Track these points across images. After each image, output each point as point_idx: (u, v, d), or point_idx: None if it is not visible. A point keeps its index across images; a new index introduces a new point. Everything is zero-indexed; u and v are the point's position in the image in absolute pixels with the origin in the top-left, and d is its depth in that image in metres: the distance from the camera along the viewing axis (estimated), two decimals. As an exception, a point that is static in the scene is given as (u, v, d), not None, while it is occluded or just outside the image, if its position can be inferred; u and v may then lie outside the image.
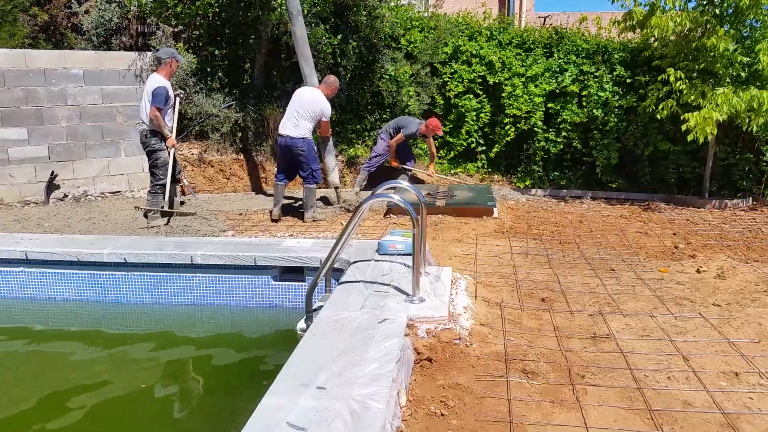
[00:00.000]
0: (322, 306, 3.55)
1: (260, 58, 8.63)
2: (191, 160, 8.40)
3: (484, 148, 9.46)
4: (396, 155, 8.59)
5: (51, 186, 7.45)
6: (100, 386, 3.87)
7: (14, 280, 5.01)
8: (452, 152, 9.46)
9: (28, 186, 7.37)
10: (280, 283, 4.80)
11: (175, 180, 6.59)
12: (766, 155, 8.59)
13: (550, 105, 9.08)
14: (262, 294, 4.84)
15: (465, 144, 9.38)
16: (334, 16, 8.80)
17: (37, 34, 8.92)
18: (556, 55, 9.29)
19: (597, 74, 8.94)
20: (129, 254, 4.80)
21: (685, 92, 7.67)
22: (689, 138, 7.33)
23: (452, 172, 9.33)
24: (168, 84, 6.14)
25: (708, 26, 7.60)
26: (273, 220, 6.57)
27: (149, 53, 7.96)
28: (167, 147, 6.30)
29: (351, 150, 9.23)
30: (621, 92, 8.84)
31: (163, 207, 6.34)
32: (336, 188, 7.55)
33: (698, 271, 4.80)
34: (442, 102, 9.42)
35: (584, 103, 8.95)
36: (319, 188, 7.28)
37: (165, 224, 6.24)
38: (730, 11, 7.55)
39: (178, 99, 6.59)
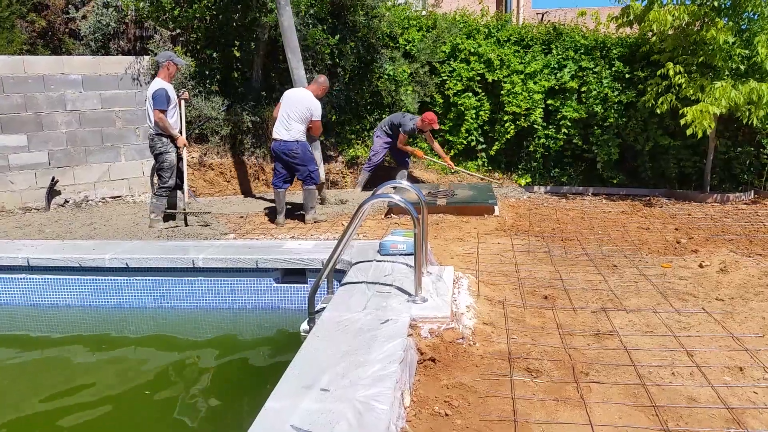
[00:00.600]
0: (324, 307, 3.55)
1: (258, 61, 8.63)
2: (191, 164, 8.40)
3: (484, 146, 9.46)
4: (395, 157, 8.62)
5: (52, 192, 7.45)
6: (103, 391, 3.87)
7: (16, 287, 5.01)
8: (452, 150, 9.45)
9: (28, 192, 7.38)
10: (282, 285, 4.80)
11: (180, 185, 6.57)
12: (767, 148, 8.58)
13: (549, 102, 9.07)
14: (265, 296, 4.83)
15: (465, 142, 9.37)
16: (332, 17, 8.79)
17: (35, 40, 8.92)
18: (554, 51, 9.27)
19: (596, 70, 8.93)
20: (131, 259, 4.80)
21: (684, 86, 7.66)
22: (688, 132, 7.32)
23: (452, 170, 9.32)
24: (168, 86, 6.14)
25: (706, 19, 7.59)
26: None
27: (147, 57, 7.96)
28: (178, 147, 6.31)
29: (351, 150, 9.23)
30: (620, 88, 8.83)
31: (166, 209, 6.35)
32: (321, 185, 7.44)
33: (701, 266, 4.79)
34: (441, 100, 9.42)
35: (584, 99, 8.94)
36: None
37: (185, 225, 6.32)
38: (729, 3, 7.54)
39: (182, 100, 6.58)
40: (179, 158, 6.40)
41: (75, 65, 7.51)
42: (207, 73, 8.45)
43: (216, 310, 4.87)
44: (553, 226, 6.49)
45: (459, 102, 9.22)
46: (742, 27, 7.75)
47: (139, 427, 3.52)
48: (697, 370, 3.01)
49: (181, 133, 6.39)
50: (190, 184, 7.76)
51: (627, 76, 8.80)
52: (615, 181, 9.01)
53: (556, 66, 9.14)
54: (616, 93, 8.78)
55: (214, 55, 8.52)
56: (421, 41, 9.30)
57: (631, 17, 7.92)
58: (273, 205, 7.34)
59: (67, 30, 9.10)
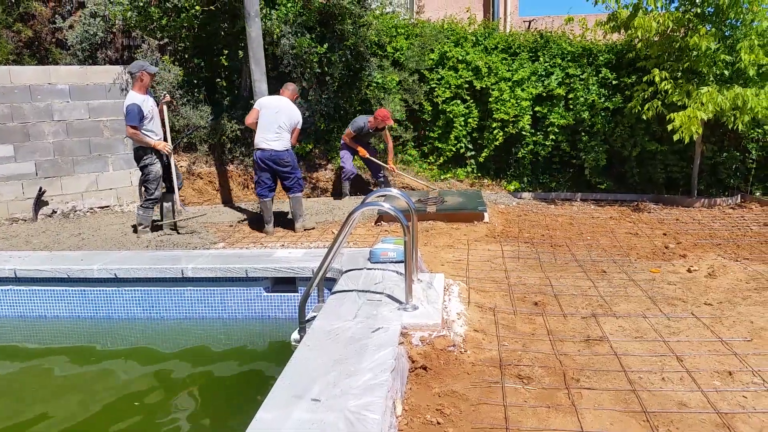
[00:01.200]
0: (315, 316, 3.54)
1: (246, 69, 8.60)
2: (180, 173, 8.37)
3: (473, 152, 9.49)
4: (367, 165, 8.60)
5: (39, 202, 7.39)
6: (92, 403, 3.83)
7: (3, 299, 4.96)
8: (441, 158, 9.48)
9: (15, 203, 7.31)
10: (273, 294, 4.78)
11: (171, 190, 6.53)
12: (753, 153, 8.68)
13: (537, 108, 9.13)
14: (255, 306, 4.81)
15: (454, 149, 9.40)
16: (320, 25, 8.81)
17: (22, 50, 8.86)
18: (541, 58, 9.34)
19: (583, 77, 9.00)
20: (119, 269, 4.77)
21: (670, 92, 7.74)
22: (675, 138, 7.39)
23: (442, 177, 9.34)
24: (140, 98, 6.03)
25: (690, 26, 7.68)
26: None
27: (135, 66, 7.94)
28: (164, 153, 6.24)
29: (339, 159, 9.22)
30: (607, 94, 8.91)
31: (156, 221, 6.34)
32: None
33: (689, 271, 4.83)
34: (430, 108, 9.45)
35: (571, 106, 9.01)
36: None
37: (176, 233, 6.34)
38: (711, 10, 7.64)
39: (164, 106, 6.53)
40: (167, 163, 6.37)
41: (62, 75, 7.48)
42: (195, 82, 8.43)
43: (206, 320, 4.84)
44: (542, 232, 6.51)
45: (448, 109, 9.26)
46: (726, 34, 7.84)
47: (128, 439, 3.49)
48: (687, 375, 3.03)
49: (165, 139, 6.35)
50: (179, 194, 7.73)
51: (614, 82, 8.88)
52: (603, 187, 9.07)
53: (544, 73, 9.21)
54: (603, 99, 8.85)
55: (202, 64, 8.50)
56: (408, 49, 9.34)
57: (618, 23, 8.00)
58: (260, 213, 7.33)
59: (54, 40, 9.05)
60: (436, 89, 9.34)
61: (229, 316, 4.84)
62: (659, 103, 7.83)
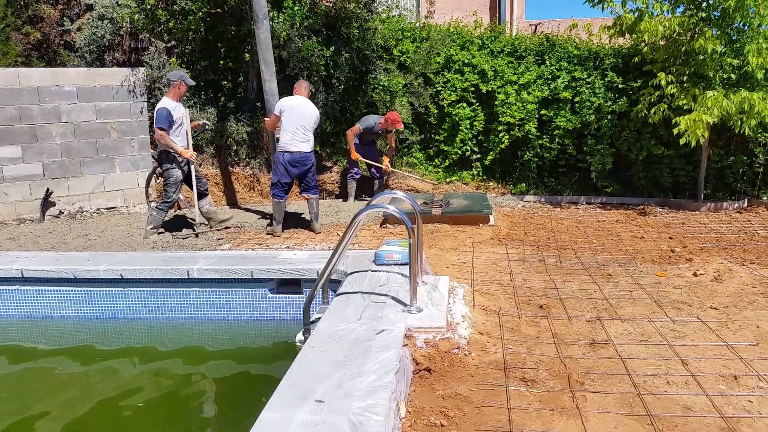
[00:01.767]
0: (320, 318, 3.55)
1: (253, 72, 8.65)
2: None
3: (478, 155, 9.49)
4: (363, 156, 8.55)
5: (46, 203, 7.43)
6: (97, 402, 3.85)
7: (10, 299, 4.99)
8: (447, 160, 9.48)
9: (23, 204, 7.35)
10: (278, 295, 4.79)
11: (202, 194, 6.64)
12: (760, 157, 8.64)
13: (543, 112, 9.12)
14: (260, 307, 4.83)
15: (460, 152, 9.40)
16: (327, 29, 8.84)
17: (30, 52, 8.92)
18: (548, 62, 9.33)
19: (589, 80, 8.98)
20: (125, 270, 4.79)
21: (676, 96, 7.72)
22: (681, 141, 7.36)
23: (447, 180, 9.34)
24: (172, 105, 6.18)
25: (696, 29, 7.66)
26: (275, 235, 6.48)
27: (142, 69, 7.98)
28: (185, 160, 6.34)
29: (346, 161, 9.24)
30: (613, 97, 8.89)
31: (160, 230, 6.42)
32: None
33: (695, 275, 4.81)
34: (436, 111, 9.45)
35: (577, 109, 8.99)
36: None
37: (195, 237, 6.41)
38: (717, 14, 7.61)
39: (198, 124, 6.66)
40: (188, 171, 6.44)
41: (70, 77, 7.52)
42: (202, 84, 8.47)
43: (211, 321, 4.86)
44: (547, 236, 6.50)
45: (453, 112, 9.26)
46: (733, 38, 7.82)
47: (133, 439, 3.50)
48: (692, 379, 3.02)
49: (187, 147, 6.43)
50: (186, 195, 7.76)
51: (620, 86, 8.86)
52: (609, 191, 9.04)
53: (550, 77, 9.20)
54: (609, 103, 8.83)
55: (209, 66, 8.54)
56: (415, 52, 9.35)
57: (623, 28, 7.99)
58: (268, 214, 7.35)
59: (62, 42, 9.11)
60: (442, 92, 9.34)
61: (235, 317, 4.85)
62: (665, 106, 7.81)
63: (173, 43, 8.51)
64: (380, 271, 4.32)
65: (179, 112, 6.28)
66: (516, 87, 9.10)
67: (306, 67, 8.49)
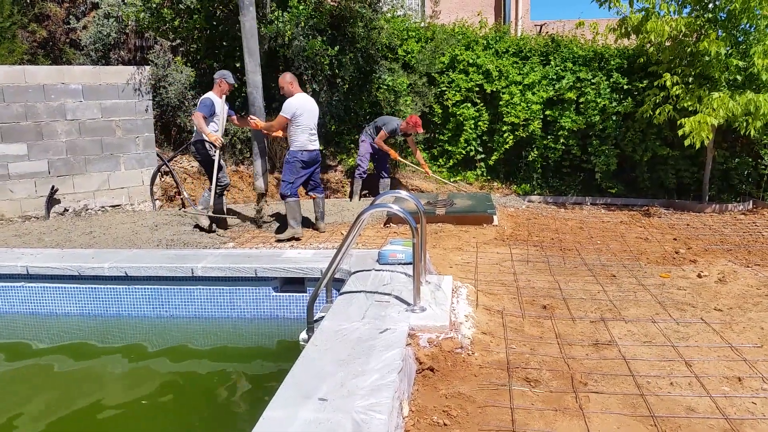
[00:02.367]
0: (323, 316, 3.55)
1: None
2: (191, 173, 8.42)
3: (483, 156, 9.49)
4: (375, 165, 8.58)
5: (51, 200, 7.45)
6: (101, 400, 3.86)
7: (15, 295, 5.01)
8: (451, 160, 9.49)
9: (28, 201, 7.38)
10: (282, 294, 4.80)
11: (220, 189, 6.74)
12: (765, 158, 8.62)
13: (548, 112, 9.11)
14: (264, 305, 4.83)
15: (464, 152, 9.40)
16: (331, 28, 8.85)
17: (36, 50, 8.96)
18: (552, 62, 9.33)
19: (594, 81, 8.97)
20: (130, 268, 4.80)
21: (681, 97, 7.70)
22: (686, 143, 7.35)
23: (452, 180, 9.34)
24: (216, 99, 6.47)
25: (702, 31, 7.64)
26: (296, 239, 6.28)
27: (148, 67, 8.00)
28: (214, 149, 6.50)
29: (350, 160, 9.26)
30: (618, 98, 8.88)
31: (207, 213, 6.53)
32: (262, 195, 7.01)
33: (699, 276, 4.80)
34: (440, 111, 9.46)
35: (582, 110, 8.98)
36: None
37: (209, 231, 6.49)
38: (723, 16, 7.60)
39: (250, 120, 6.60)
40: (213, 158, 6.54)
41: (75, 75, 7.54)
42: (207, 83, 8.47)
43: (215, 319, 4.87)
44: (551, 236, 6.50)
45: (458, 112, 9.27)
46: (739, 39, 7.80)
47: (137, 436, 3.51)
48: (696, 381, 3.01)
49: (217, 133, 6.55)
50: (191, 194, 7.78)
51: (625, 86, 8.85)
52: (613, 191, 9.03)
53: (555, 77, 9.19)
54: (614, 104, 8.82)
55: (214, 65, 8.55)
56: (419, 52, 9.36)
57: (629, 28, 7.98)
58: (273, 213, 7.35)
59: (67, 40, 9.15)
60: (447, 92, 9.35)
61: (238, 316, 4.86)
62: (671, 107, 7.80)
63: (178, 41, 8.54)
64: (384, 271, 4.32)
65: (220, 106, 6.54)
66: (521, 87, 9.10)
67: (310, 66, 8.51)
